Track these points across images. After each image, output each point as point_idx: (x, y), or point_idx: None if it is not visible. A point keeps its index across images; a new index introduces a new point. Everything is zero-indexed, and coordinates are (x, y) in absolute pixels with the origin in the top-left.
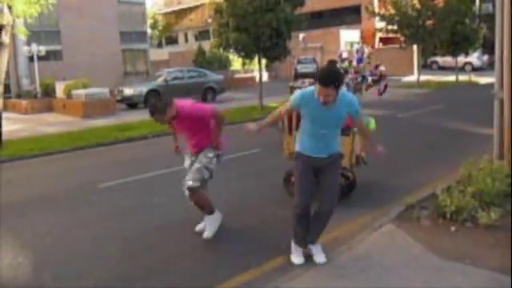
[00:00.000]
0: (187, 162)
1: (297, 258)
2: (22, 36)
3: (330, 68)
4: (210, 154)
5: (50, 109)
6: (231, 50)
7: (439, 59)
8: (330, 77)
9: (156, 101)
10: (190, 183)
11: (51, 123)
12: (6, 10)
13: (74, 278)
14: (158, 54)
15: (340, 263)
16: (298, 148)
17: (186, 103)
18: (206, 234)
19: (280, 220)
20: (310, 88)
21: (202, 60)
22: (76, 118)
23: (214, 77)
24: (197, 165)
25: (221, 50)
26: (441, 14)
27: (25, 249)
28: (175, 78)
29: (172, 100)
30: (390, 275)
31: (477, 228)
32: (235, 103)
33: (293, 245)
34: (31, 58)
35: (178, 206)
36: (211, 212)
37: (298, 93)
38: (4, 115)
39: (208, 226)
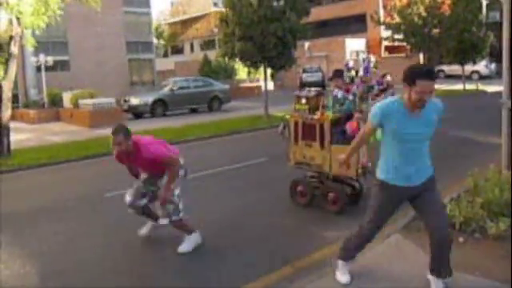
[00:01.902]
0: (141, 179)
1: (344, 275)
2: (30, 47)
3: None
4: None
5: (57, 118)
6: (237, 59)
7: (445, 68)
8: (431, 69)
9: (161, 110)
10: (164, 222)
11: (58, 133)
12: (14, 21)
13: (82, 287)
14: (163, 64)
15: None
16: (382, 176)
17: (147, 141)
18: (181, 248)
19: (286, 230)
20: (390, 99)
21: (207, 69)
22: (83, 128)
23: (219, 86)
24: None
25: (226, 59)
26: (447, 22)
27: (32, 257)
28: (181, 88)
29: (129, 133)
30: (397, 286)
31: (486, 239)
32: (241, 112)
33: (341, 262)
34: (39, 69)
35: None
36: (190, 232)
37: (377, 109)
38: (12, 125)
39: (186, 242)
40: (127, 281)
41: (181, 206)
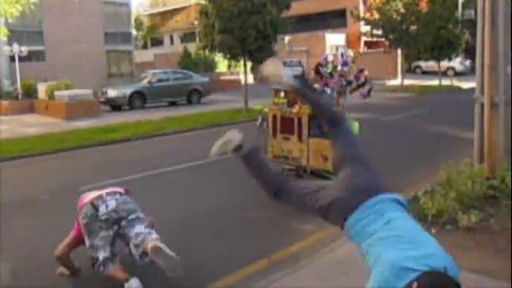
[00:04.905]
0: None
1: None
2: (2, 36)
3: None
4: None
5: (31, 110)
6: (217, 52)
7: (422, 64)
8: None
9: (139, 103)
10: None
11: (32, 125)
12: None
13: (54, 282)
14: (143, 56)
15: (322, 265)
16: None
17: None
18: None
19: (263, 223)
20: None
21: (187, 62)
22: (58, 120)
23: (199, 79)
24: None
25: (206, 51)
26: (425, 19)
27: (4, 253)
28: (160, 80)
29: None
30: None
31: (457, 230)
32: (220, 105)
33: None
34: (12, 59)
35: (159, 209)
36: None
37: None
38: None
39: None
40: (100, 276)
41: (103, 255)
